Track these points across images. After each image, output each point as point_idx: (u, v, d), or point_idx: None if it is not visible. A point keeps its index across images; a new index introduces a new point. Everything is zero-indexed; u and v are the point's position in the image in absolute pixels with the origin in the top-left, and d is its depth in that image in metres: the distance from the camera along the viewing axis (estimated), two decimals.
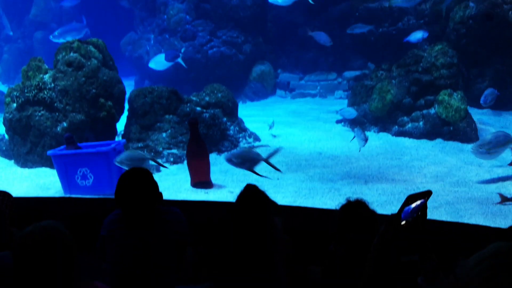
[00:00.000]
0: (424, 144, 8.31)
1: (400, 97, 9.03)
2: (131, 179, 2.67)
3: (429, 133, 8.60)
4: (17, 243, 1.88)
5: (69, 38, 8.24)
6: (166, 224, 2.72)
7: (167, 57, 10.68)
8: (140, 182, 2.65)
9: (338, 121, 10.12)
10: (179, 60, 10.95)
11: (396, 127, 8.96)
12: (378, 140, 8.78)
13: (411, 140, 8.58)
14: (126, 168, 5.60)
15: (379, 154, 7.83)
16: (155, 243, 2.65)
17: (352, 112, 9.19)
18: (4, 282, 2.04)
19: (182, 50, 11.88)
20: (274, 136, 9.29)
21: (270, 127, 9.43)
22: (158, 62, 10.86)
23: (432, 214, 5.22)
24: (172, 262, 2.71)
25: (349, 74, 12.96)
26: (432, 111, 8.67)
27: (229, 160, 5.74)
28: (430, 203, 5.64)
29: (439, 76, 8.88)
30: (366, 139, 7.20)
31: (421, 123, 8.70)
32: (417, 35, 9.97)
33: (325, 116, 10.76)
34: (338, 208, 2.44)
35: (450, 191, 6.10)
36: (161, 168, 7.62)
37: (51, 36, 9.29)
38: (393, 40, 12.03)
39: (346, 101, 10.74)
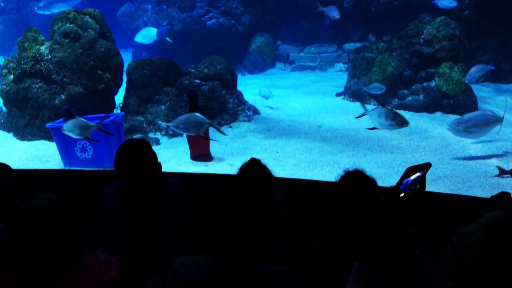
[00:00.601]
0: (424, 117, 8.29)
1: (400, 69, 8.95)
2: (129, 149, 2.66)
3: (429, 106, 8.57)
4: (16, 216, 1.88)
5: (54, 11, 8.03)
6: (166, 194, 2.73)
7: (159, 34, 10.56)
8: (138, 152, 2.65)
9: (338, 94, 10.06)
10: (167, 38, 10.92)
11: (396, 100, 8.91)
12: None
13: (410, 113, 8.55)
14: (75, 137, 5.65)
15: None
16: (155, 213, 2.67)
17: (381, 87, 8.44)
18: (1, 254, 2.04)
19: (165, 23, 11.80)
20: (272, 108, 9.25)
21: (266, 98, 9.39)
22: (145, 36, 10.74)
23: (430, 187, 5.27)
24: (172, 232, 2.74)
25: (350, 46, 12.81)
26: (433, 84, 8.61)
27: (176, 127, 5.71)
28: (428, 176, 5.63)
29: (440, 48, 8.77)
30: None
31: (421, 96, 8.66)
32: (444, 2, 9.58)
33: (325, 89, 10.70)
34: (337, 180, 2.45)
35: (449, 164, 6.12)
36: (160, 140, 7.64)
37: (35, 8, 9.06)
38: (395, 11, 11.84)
39: (346, 74, 10.65)
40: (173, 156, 6.96)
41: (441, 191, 5.04)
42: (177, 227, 2.78)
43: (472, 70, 7.88)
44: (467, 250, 1.38)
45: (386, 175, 5.78)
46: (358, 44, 12.67)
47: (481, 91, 9.46)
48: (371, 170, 2.54)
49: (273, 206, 1.82)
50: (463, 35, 9.18)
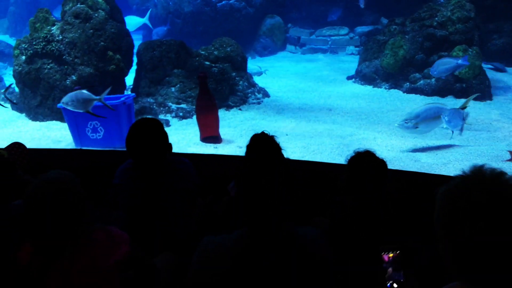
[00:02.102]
0: (436, 101, 8.19)
1: (413, 52, 8.83)
2: (141, 128, 2.69)
3: (441, 90, 8.46)
4: (29, 190, 1.92)
5: None
6: (176, 173, 2.76)
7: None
8: (150, 131, 2.67)
9: (349, 77, 9.98)
10: (146, 21, 11.40)
11: (408, 83, 8.82)
12: (389, 96, 8.68)
13: (422, 97, 8.47)
14: (71, 109, 5.71)
15: (390, 111, 7.77)
16: (165, 191, 2.71)
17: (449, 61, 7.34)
18: (17, 230, 2.09)
19: (149, 11, 12.17)
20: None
21: (258, 75, 9.48)
22: (128, 25, 10.91)
23: (441, 170, 5.23)
24: (182, 210, 2.77)
25: (361, 29, 12.64)
26: None
27: (66, 104, 5.72)
28: (439, 159, 5.62)
29: (454, 31, 8.62)
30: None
31: (433, 80, 8.54)
32: None
33: (336, 72, 10.60)
34: (346, 160, 2.45)
35: (460, 147, 6.08)
36: (170, 122, 7.67)
37: None
38: None
39: (357, 57, 10.54)
40: (183, 138, 6.99)
41: (451, 174, 5.01)
42: (187, 205, 2.81)
43: (438, 62, 7.19)
44: (436, 212, 1.38)
45: (396, 158, 5.76)
46: (370, 27, 12.49)
47: (495, 74, 9.32)
48: (381, 153, 2.52)
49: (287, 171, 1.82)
50: (478, 17, 9.00)
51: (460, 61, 7.20)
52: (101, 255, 1.95)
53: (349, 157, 2.45)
